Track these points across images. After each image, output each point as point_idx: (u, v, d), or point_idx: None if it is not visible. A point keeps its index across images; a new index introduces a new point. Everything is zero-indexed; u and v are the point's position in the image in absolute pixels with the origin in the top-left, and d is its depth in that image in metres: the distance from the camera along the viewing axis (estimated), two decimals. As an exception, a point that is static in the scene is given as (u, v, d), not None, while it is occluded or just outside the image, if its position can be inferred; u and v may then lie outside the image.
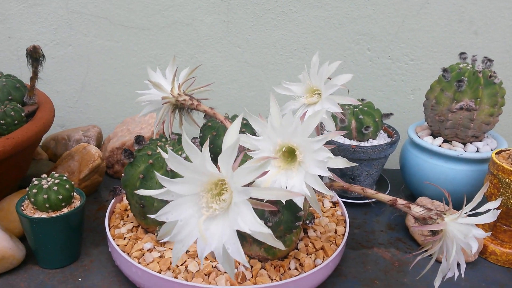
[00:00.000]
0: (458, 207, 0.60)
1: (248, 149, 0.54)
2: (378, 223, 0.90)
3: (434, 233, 0.59)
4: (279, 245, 0.39)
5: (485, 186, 0.58)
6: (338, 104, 0.72)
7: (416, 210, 0.60)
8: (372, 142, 0.92)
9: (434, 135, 0.92)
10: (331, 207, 0.86)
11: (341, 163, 0.50)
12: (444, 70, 0.87)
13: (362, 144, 0.91)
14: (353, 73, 1.24)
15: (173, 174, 0.67)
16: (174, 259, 0.41)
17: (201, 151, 0.41)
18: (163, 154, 0.42)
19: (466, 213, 0.57)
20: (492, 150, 0.87)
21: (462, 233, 0.54)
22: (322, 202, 0.87)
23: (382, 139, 0.95)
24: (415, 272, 0.75)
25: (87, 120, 1.32)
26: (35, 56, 0.83)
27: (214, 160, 0.88)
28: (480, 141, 0.89)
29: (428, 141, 0.90)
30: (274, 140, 0.51)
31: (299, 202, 0.48)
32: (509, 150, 0.80)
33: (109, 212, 0.79)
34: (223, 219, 0.40)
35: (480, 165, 0.85)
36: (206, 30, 1.20)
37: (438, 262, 0.63)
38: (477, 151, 0.87)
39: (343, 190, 0.65)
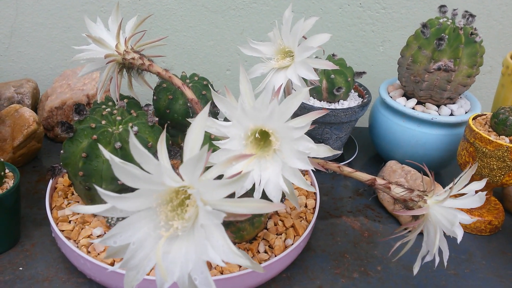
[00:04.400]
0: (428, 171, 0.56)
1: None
2: (346, 188, 0.86)
3: (415, 217, 0.55)
4: (258, 268, 0.33)
5: (473, 167, 0.53)
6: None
7: (396, 191, 0.56)
8: (343, 104, 0.85)
9: (407, 95, 0.87)
10: (299, 175, 0.80)
11: (323, 152, 0.43)
12: (424, 25, 0.79)
13: (332, 107, 0.84)
14: (322, 21, 1.14)
15: (123, 153, 0.58)
16: (127, 289, 0.33)
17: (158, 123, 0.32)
18: (105, 153, 0.32)
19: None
20: (466, 112, 0.83)
21: (448, 220, 0.50)
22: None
23: (353, 99, 0.88)
24: (385, 244, 0.72)
25: (20, 70, 1.15)
26: None
27: (172, 127, 0.78)
28: (454, 103, 0.85)
29: (401, 103, 0.84)
30: (246, 125, 0.43)
31: (276, 199, 0.41)
32: (485, 115, 0.76)
33: (50, 189, 0.69)
34: (188, 240, 0.32)
35: (454, 129, 0.81)
36: (156, -33, 1.04)
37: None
38: (451, 114, 0.83)
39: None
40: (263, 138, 0.46)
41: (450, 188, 0.53)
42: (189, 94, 0.63)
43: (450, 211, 0.51)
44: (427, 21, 0.81)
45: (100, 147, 0.33)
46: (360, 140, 1.01)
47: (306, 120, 0.45)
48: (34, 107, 0.97)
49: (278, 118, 0.41)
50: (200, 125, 0.33)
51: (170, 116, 0.75)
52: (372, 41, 1.13)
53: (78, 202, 0.68)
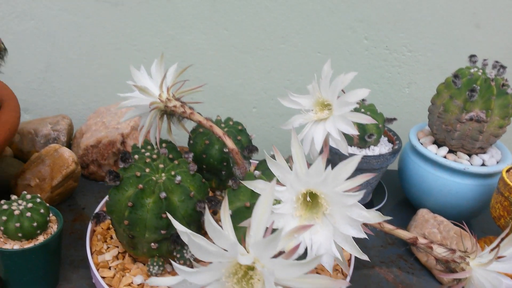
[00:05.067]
0: (459, 220, 0.56)
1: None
2: (377, 236, 0.86)
3: (458, 279, 0.55)
4: None
5: (516, 230, 0.53)
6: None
7: (438, 251, 0.56)
8: (374, 150, 0.86)
9: (438, 143, 0.88)
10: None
11: (374, 218, 0.44)
12: (455, 76, 0.80)
13: (363, 153, 0.85)
14: (348, 63, 1.17)
15: (167, 203, 0.59)
16: None
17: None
18: (180, 228, 0.34)
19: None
20: (497, 162, 0.84)
21: (492, 286, 0.50)
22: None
23: (383, 145, 0.89)
24: (420, 296, 0.72)
25: (53, 104, 1.18)
26: (-6, 49, 0.70)
27: (207, 171, 0.80)
28: (485, 152, 0.85)
29: (433, 151, 0.85)
30: (298, 189, 0.44)
31: (329, 266, 0.42)
32: (518, 166, 0.76)
33: (90, 231, 0.70)
34: (254, 316, 0.33)
35: (486, 180, 0.81)
36: (189, 8, 1.08)
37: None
38: (483, 163, 0.83)
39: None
40: (311, 199, 0.47)
41: (492, 249, 0.53)
42: (230, 144, 0.65)
43: (494, 276, 0.51)
44: (457, 70, 0.83)
45: (170, 217, 0.35)
46: (388, 183, 1.02)
47: (355, 183, 0.46)
48: (69, 144, 1.00)
49: (331, 183, 0.42)
50: (267, 200, 0.34)
51: (206, 161, 0.76)
52: (398, 83, 1.15)
53: (118, 247, 0.69)
